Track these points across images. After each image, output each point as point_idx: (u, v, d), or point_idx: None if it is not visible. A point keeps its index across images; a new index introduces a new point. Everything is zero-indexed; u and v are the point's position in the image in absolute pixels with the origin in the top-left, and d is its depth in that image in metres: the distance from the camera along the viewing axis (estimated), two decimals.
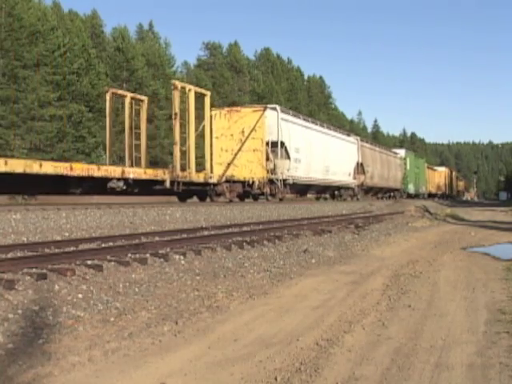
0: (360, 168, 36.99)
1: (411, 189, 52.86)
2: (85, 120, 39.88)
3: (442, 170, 76.00)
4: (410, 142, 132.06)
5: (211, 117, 23.26)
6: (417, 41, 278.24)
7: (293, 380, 3.28)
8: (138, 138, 20.71)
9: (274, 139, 24.74)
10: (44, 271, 5.74)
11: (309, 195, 33.14)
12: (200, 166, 21.01)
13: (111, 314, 4.69)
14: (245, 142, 23.61)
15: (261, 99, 59.10)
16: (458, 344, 4.05)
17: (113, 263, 6.63)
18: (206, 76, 62.21)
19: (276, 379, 3.29)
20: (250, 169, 23.51)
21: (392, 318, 4.81)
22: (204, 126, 21.09)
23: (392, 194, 48.01)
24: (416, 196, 54.86)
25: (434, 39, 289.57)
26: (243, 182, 22.41)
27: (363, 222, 16.12)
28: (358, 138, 39.05)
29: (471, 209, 33.43)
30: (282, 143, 25.04)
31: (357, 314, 4.98)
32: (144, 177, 16.97)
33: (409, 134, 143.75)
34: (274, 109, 25.53)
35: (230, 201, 21.14)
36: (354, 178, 35.81)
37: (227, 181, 21.17)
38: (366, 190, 40.08)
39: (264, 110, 24.25)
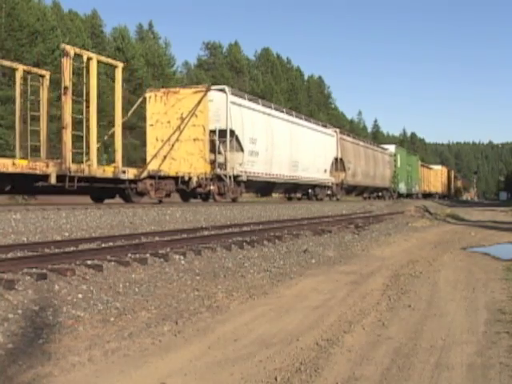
0: (340, 164, 33.02)
1: (402, 188, 49.05)
2: None
3: (439, 168, 71.87)
4: (410, 142, 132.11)
5: (145, 100, 20.85)
6: (417, 41, 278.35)
7: (293, 380, 3.28)
8: (36, 123, 16.86)
9: (223, 127, 20.50)
10: (44, 271, 5.74)
11: (274, 195, 30.33)
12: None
13: (111, 313, 4.69)
14: (183, 129, 19.57)
15: (261, 99, 59.07)
16: (458, 344, 4.05)
17: (113, 263, 6.63)
18: (206, 76, 62.22)
19: (276, 379, 3.29)
20: (191, 163, 19.71)
21: (392, 318, 4.81)
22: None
23: (380, 193, 44.48)
24: (408, 196, 51.17)
25: (434, 39, 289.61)
26: (176, 179, 18.30)
27: (363, 222, 16.12)
28: (338, 130, 34.56)
29: (471, 209, 33.43)
30: (233, 132, 20.85)
31: (357, 314, 4.98)
32: (12, 170, 12.88)
33: (409, 134, 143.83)
34: (222, 90, 21.15)
35: (160, 201, 17.90)
36: (332, 176, 31.88)
37: (151, 176, 17.17)
38: (349, 189, 36.33)
39: (207, 91, 20.01)
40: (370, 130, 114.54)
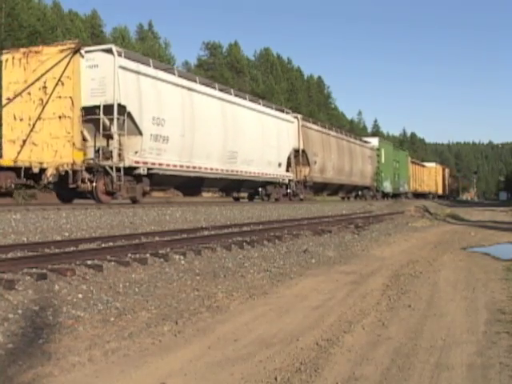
0: (302, 157, 27.44)
1: (387, 187, 43.36)
2: None
3: (432, 166, 66.47)
4: (410, 142, 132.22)
5: (1, 64, 15.85)
6: (417, 41, 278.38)
7: (293, 380, 3.28)
8: None
9: (109, 101, 15.04)
10: (44, 271, 5.74)
11: (206, 194, 24.61)
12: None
13: (111, 313, 4.69)
14: (46, 104, 14.83)
15: (261, 99, 59.08)
16: (457, 344, 4.05)
17: (113, 263, 6.63)
18: (206, 76, 62.21)
19: (276, 379, 3.29)
20: (55, 149, 14.91)
21: (392, 318, 4.82)
22: None
23: (360, 192, 38.85)
24: (395, 196, 45.95)
25: (434, 39, 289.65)
26: (17, 170, 13.57)
27: (363, 222, 16.12)
28: (299, 116, 28.11)
29: (471, 209, 33.45)
30: (123, 108, 15.20)
31: (357, 313, 4.98)
32: None
33: (409, 134, 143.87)
34: (109, 51, 15.29)
35: None
36: (290, 171, 26.30)
37: None
38: (318, 188, 30.86)
39: (77, 49, 14.88)
40: (370, 130, 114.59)
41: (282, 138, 25.39)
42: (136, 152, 15.79)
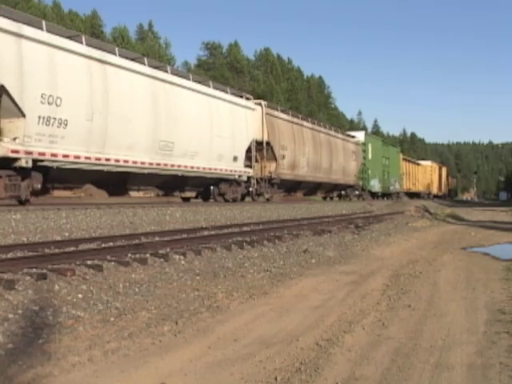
0: (267, 151, 23.59)
1: (375, 186, 39.37)
2: None
3: (428, 164, 62.66)
4: (410, 142, 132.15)
5: None
6: (417, 41, 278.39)
7: (293, 380, 3.28)
8: None
9: None
10: (44, 271, 5.74)
11: (135, 193, 17.63)
12: None
13: (111, 314, 4.69)
14: None
15: (261, 99, 59.12)
16: (457, 344, 4.05)
17: (113, 263, 6.63)
18: (207, 76, 62.25)
19: (276, 379, 3.29)
20: None
21: (392, 318, 4.82)
22: None
23: (343, 192, 35.31)
24: (385, 195, 42.90)
25: (434, 39, 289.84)
26: None
27: (363, 222, 16.12)
28: (264, 103, 24.05)
29: (471, 209, 33.47)
30: None
31: (357, 313, 4.99)
32: None
33: (409, 134, 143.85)
34: None
35: None
36: (249, 166, 22.22)
37: None
38: (289, 186, 27.03)
39: None
40: (370, 130, 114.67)
41: (238, 127, 21.16)
42: (15, 138, 12.33)
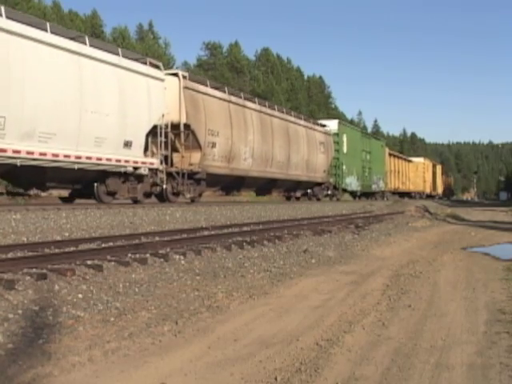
0: (186, 137, 18.12)
1: (352, 183, 34.14)
2: None
3: (420, 161, 57.73)
4: (410, 142, 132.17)
5: None
6: (417, 41, 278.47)
7: (293, 380, 3.28)
8: None
9: None
10: (44, 271, 5.74)
11: None
12: None
13: (111, 313, 4.69)
14: None
15: (261, 98, 59.18)
16: (458, 344, 4.05)
17: (113, 263, 6.63)
18: (207, 76, 62.29)
19: (276, 379, 3.29)
20: None
21: (392, 318, 4.82)
22: None
23: (309, 190, 29.56)
24: (364, 195, 38.20)
25: (434, 39, 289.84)
26: None
27: (363, 222, 16.12)
28: (183, 73, 18.88)
29: (471, 209, 33.48)
30: None
31: (357, 313, 4.98)
32: None
33: (409, 134, 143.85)
34: None
35: None
36: (152, 156, 16.73)
37: None
38: (226, 183, 21.85)
39: None
40: (370, 130, 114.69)
41: (134, 102, 15.68)
42: None
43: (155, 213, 13.78)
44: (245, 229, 12.00)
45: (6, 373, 3.27)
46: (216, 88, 20.86)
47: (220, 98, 20.44)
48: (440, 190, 67.84)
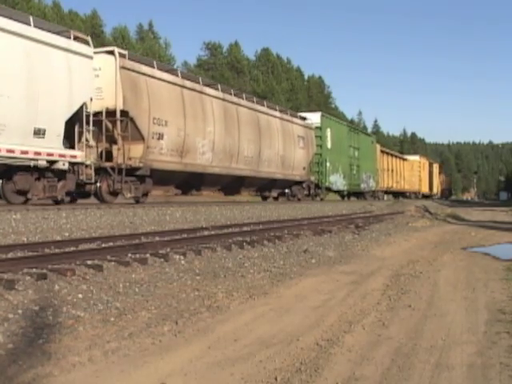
0: (125, 126, 15.53)
1: (338, 182, 31.24)
2: None
3: (416, 159, 55.46)
4: (411, 142, 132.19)
5: None
6: (417, 41, 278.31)
7: (293, 380, 3.28)
8: None
9: None
10: (44, 271, 5.74)
11: None
12: None
13: (111, 313, 4.69)
14: None
15: (261, 99, 59.19)
16: (458, 344, 4.05)
17: (113, 263, 6.63)
18: (207, 76, 62.29)
19: (276, 379, 3.29)
20: None
21: (392, 318, 4.81)
22: None
23: (288, 190, 26.69)
24: (353, 194, 36.01)
25: (435, 39, 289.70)
26: None
27: (363, 222, 16.11)
28: (120, 50, 15.98)
29: (471, 209, 33.48)
30: None
31: (357, 313, 4.98)
32: None
33: (409, 134, 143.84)
34: None
35: None
36: (86, 149, 14.23)
37: None
38: (184, 181, 18.95)
39: None
40: (370, 129, 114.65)
41: (48, 82, 12.95)
42: None
43: (155, 213, 13.78)
44: (245, 229, 12.00)
45: (6, 373, 3.26)
46: (166, 70, 18.04)
47: (170, 82, 17.52)
48: (437, 189, 65.69)
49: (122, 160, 15.45)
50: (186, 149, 18.00)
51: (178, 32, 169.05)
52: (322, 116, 30.72)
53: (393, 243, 11.56)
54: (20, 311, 4.46)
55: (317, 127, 28.99)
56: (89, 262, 6.42)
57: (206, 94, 19.52)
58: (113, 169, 15.35)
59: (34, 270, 5.79)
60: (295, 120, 27.05)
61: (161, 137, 16.81)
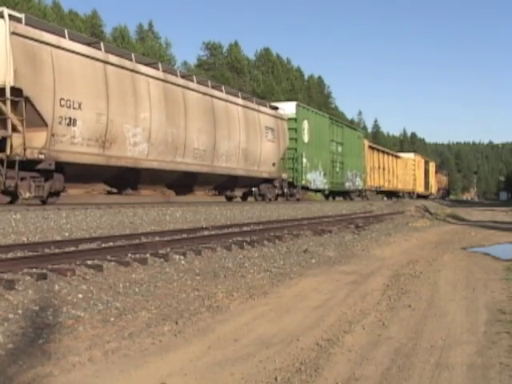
0: (15, 107, 12.31)
1: (317, 180, 27.99)
2: None
3: (410, 156, 52.13)
4: (411, 142, 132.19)
5: None
6: (417, 41, 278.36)
7: (293, 380, 3.28)
8: None
9: None
10: (44, 271, 5.74)
11: None
12: None
13: (111, 313, 4.69)
14: None
15: (261, 99, 59.18)
16: (458, 344, 4.05)
17: (113, 263, 6.63)
18: (207, 76, 62.27)
19: (276, 379, 3.29)
20: None
21: (392, 318, 4.81)
22: None
23: (256, 189, 23.42)
24: (337, 194, 33.26)
25: (435, 39, 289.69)
26: None
27: (363, 222, 16.12)
28: (8, 11, 12.35)
29: (471, 209, 33.49)
30: None
31: (357, 313, 4.98)
32: None
33: (409, 134, 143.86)
34: None
35: None
36: None
37: None
38: (112, 177, 15.78)
39: None
40: (370, 130, 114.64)
41: None
42: None
43: (155, 213, 13.78)
44: (245, 229, 12.00)
45: (6, 373, 3.26)
46: (85, 42, 14.67)
47: (87, 56, 14.13)
48: (433, 189, 62.69)
49: (19, 150, 12.25)
50: (109, 138, 14.64)
51: (178, 32, 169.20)
52: (298, 106, 27.14)
53: (393, 243, 11.56)
54: (20, 311, 4.46)
55: (291, 118, 25.54)
56: (89, 262, 6.42)
57: (139, 72, 15.97)
58: (1, 162, 12.05)
59: (34, 270, 5.79)
60: (263, 109, 23.41)
61: (72, 122, 13.53)
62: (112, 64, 14.99)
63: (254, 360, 3.64)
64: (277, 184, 24.29)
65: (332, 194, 32.65)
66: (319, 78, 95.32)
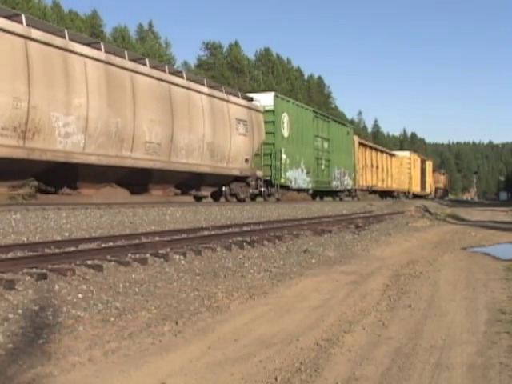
0: None
1: (298, 179, 25.29)
2: None
3: (405, 155, 49.78)
4: (411, 142, 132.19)
5: None
6: (417, 41, 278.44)
7: (293, 380, 3.28)
8: None
9: None
10: (44, 271, 5.74)
11: None
12: None
13: (111, 313, 4.69)
14: None
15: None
16: (458, 344, 4.05)
17: (113, 263, 6.63)
18: (207, 76, 62.27)
19: (276, 379, 3.29)
20: None
21: (392, 318, 4.81)
22: None
23: (226, 188, 21.15)
24: (324, 194, 30.88)
25: (435, 39, 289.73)
26: None
27: (363, 222, 16.11)
28: None
29: (471, 209, 33.49)
30: None
31: (357, 313, 4.98)
32: None
33: (409, 134, 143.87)
34: None
35: None
36: None
37: None
38: (44, 176, 13.71)
39: None
40: (370, 129, 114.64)
41: None
42: None
43: (155, 213, 13.78)
44: (245, 229, 12.00)
45: (6, 373, 3.26)
46: (3, 16, 11.95)
47: (2, 30, 11.59)
48: (430, 189, 60.44)
49: None
50: (32, 128, 12.28)
51: (178, 32, 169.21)
52: (276, 97, 23.90)
53: (393, 243, 11.56)
54: (20, 311, 4.46)
55: (268, 110, 22.90)
56: (89, 262, 6.42)
57: (73, 52, 13.47)
58: None
59: (34, 270, 5.79)
60: (233, 99, 20.54)
61: None
62: (35, 40, 12.41)
63: (253, 360, 3.64)
64: (252, 182, 21.75)
65: (318, 194, 30.19)
66: (319, 77, 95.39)
